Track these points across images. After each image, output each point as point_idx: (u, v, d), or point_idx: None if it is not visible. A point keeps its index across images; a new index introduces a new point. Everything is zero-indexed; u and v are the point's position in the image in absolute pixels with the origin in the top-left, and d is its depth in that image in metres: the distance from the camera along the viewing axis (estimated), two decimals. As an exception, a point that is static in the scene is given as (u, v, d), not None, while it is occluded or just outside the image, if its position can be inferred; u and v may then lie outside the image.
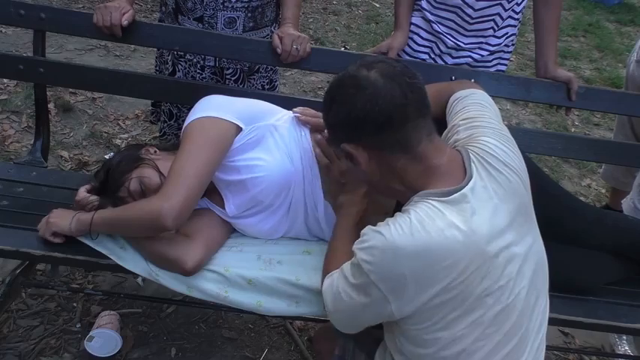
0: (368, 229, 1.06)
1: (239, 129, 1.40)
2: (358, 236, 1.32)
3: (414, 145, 1.07)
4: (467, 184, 1.05)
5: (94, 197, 1.45)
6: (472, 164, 1.09)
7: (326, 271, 1.23)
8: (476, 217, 1.01)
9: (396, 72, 1.07)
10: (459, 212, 1.01)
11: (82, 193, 1.47)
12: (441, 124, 1.30)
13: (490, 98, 1.36)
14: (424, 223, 0.99)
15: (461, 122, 1.25)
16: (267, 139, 1.44)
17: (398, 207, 1.41)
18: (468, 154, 1.11)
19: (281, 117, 1.50)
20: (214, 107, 1.40)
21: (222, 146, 1.38)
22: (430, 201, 1.03)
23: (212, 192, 1.50)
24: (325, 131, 1.45)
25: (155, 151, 1.51)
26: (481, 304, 1.02)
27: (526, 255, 1.08)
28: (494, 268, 1.02)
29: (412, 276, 0.99)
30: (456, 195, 1.03)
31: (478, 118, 1.24)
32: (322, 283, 1.21)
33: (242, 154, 1.41)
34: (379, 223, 1.05)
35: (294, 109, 1.52)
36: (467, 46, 1.88)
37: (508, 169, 1.11)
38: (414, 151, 1.07)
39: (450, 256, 0.98)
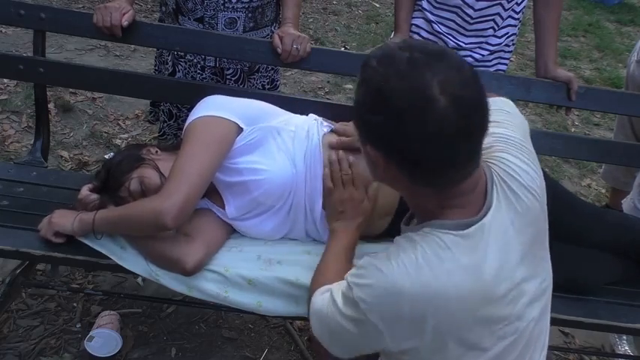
0: (367, 262, 0.98)
1: (240, 129, 1.41)
2: (348, 261, 1.28)
3: (453, 185, 0.95)
4: (485, 214, 0.97)
5: (95, 196, 1.46)
6: (494, 188, 1.00)
7: (312, 292, 1.17)
8: (489, 254, 0.95)
9: (472, 102, 0.88)
10: (472, 250, 0.94)
11: (85, 191, 1.47)
12: None
13: (515, 107, 1.27)
14: (431, 265, 0.92)
15: None
16: (269, 141, 1.44)
17: (401, 207, 1.42)
18: (491, 174, 1.02)
19: (284, 119, 1.50)
20: (216, 107, 1.41)
21: (224, 146, 1.38)
22: (442, 236, 0.94)
23: (212, 193, 1.49)
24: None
25: (156, 151, 1.52)
26: (483, 341, 0.97)
27: (537, 289, 1.03)
28: (501, 308, 0.97)
29: (413, 319, 0.93)
30: (472, 229, 0.95)
31: (501, 124, 1.16)
32: (309, 303, 1.15)
33: (243, 155, 1.41)
34: (378, 255, 0.98)
35: (335, 127, 1.50)
36: (467, 45, 1.88)
37: (529, 194, 1.03)
38: (448, 189, 0.96)
39: (454, 302, 0.92)
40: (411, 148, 0.89)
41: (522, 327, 1.01)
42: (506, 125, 1.16)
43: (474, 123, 0.89)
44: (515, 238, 0.99)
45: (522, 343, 1.02)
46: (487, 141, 1.08)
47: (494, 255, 0.95)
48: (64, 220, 1.43)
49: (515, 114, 1.25)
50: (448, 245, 0.94)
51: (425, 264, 0.92)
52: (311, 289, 1.20)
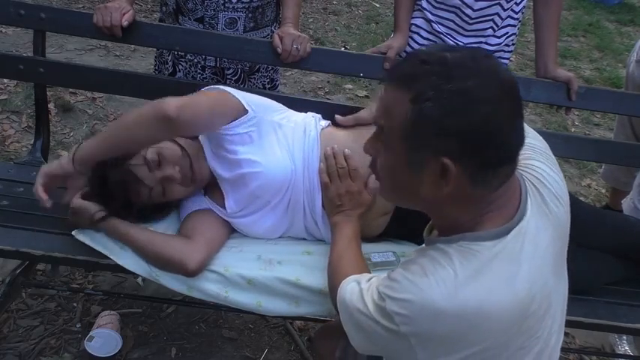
0: (400, 275, 0.93)
1: (245, 111, 1.42)
2: (358, 251, 1.30)
3: (506, 179, 0.91)
4: (519, 222, 0.93)
5: (91, 205, 1.41)
6: (528, 196, 0.97)
7: (333, 281, 1.17)
8: (523, 264, 0.92)
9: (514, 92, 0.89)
10: (509, 260, 0.91)
11: (78, 200, 1.42)
12: None
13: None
14: (471, 281, 0.88)
15: None
16: (270, 135, 1.45)
17: (398, 207, 1.42)
18: (523, 182, 0.99)
19: (285, 116, 1.52)
20: (226, 88, 1.45)
21: (228, 106, 1.40)
22: (478, 250, 0.90)
23: (213, 189, 1.50)
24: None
25: None
26: (513, 357, 0.95)
27: (558, 298, 1.01)
28: (534, 323, 0.95)
29: (449, 337, 0.90)
30: (510, 235, 0.92)
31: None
32: (334, 295, 1.12)
33: (244, 146, 1.42)
34: (411, 268, 0.93)
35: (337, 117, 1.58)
36: (467, 45, 1.88)
37: (559, 204, 1.01)
38: (499, 186, 0.91)
39: (494, 320, 0.89)
40: (505, 139, 0.87)
41: (547, 341, 0.99)
42: (527, 133, 1.14)
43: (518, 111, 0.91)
44: (546, 247, 0.96)
45: (543, 358, 1.00)
46: None
47: (529, 264, 0.92)
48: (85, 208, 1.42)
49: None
50: (487, 260, 0.90)
51: (464, 282, 0.88)
52: (332, 282, 1.19)
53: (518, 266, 0.91)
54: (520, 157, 1.02)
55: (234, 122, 1.40)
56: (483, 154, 0.86)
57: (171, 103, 1.30)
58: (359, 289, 1.00)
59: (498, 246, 0.91)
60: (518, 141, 0.89)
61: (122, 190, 1.39)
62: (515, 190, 0.96)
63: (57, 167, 1.39)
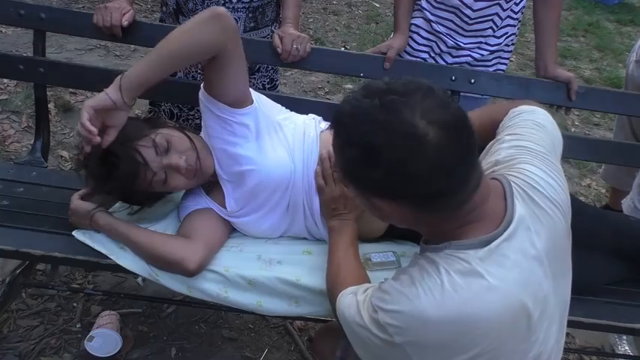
0: (390, 286, 0.96)
1: (252, 101, 1.43)
2: (356, 257, 1.31)
3: (458, 205, 0.93)
4: (507, 228, 0.94)
5: (90, 205, 1.43)
6: (515, 201, 0.97)
7: (333, 292, 1.17)
8: (514, 270, 0.92)
9: (456, 121, 0.88)
10: (497, 267, 0.92)
11: (77, 201, 1.44)
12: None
13: (549, 117, 1.21)
14: (458, 288, 0.89)
15: (507, 137, 1.13)
16: (271, 134, 1.46)
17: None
18: (510, 187, 0.99)
19: (286, 117, 1.53)
20: None
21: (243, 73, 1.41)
22: (465, 257, 0.92)
23: (214, 188, 1.50)
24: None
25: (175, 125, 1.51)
26: None
27: (557, 301, 1.01)
28: (528, 327, 0.95)
29: (442, 344, 0.91)
30: (494, 244, 0.93)
31: (525, 136, 1.13)
32: (334, 305, 1.13)
33: (246, 141, 1.42)
34: (401, 278, 0.96)
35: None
36: (466, 45, 1.89)
37: (552, 206, 1.00)
38: (455, 209, 0.93)
39: (485, 324, 0.90)
40: (419, 188, 0.88)
41: (545, 343, 0.99)
42: (529, 137, 1.14)
43: (465, 139, 0.89)
44: (540, 251, 0.96)
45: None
46: (508, 153, 1.08)
47: (518, 269, 0.93)
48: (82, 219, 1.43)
49: (546, 126, 1.18)
50: (473, 266, 0.91)
51: (451, 289, 0.90)
52: (331, 291, 1.20)
53: (505, 272, 0.92)
54: (513, 162, 1.05)
55: (239, 109, 1.40)
56: (406, 196, 0.90)
57: (220, 7, 1.32)
58: (356, 302, 1.02)
59: (483, 253, 0.92)
60: (456, 182, 0.88)
61: (126, 169, 1.32)
62: (498, 196, 0.97)
63: (103, 98, 1.29)
